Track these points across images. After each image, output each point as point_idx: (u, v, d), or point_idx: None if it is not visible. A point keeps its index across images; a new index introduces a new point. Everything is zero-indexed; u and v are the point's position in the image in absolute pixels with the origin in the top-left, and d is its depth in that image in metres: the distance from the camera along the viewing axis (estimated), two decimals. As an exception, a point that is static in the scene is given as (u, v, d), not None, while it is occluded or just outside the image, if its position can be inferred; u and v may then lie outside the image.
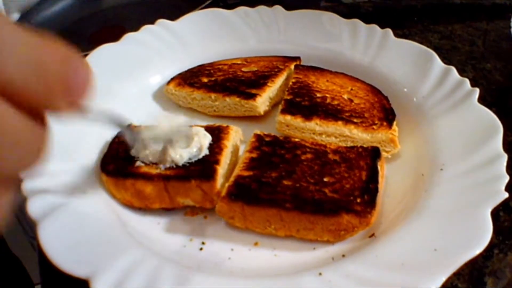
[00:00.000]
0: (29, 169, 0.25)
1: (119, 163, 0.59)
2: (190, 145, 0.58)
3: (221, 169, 0.58)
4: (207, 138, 0.60)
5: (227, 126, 0.64)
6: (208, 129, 0.62)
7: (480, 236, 0.49)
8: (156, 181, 0.56)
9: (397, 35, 0.76)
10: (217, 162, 0.58)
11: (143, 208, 0.59)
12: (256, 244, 0.55)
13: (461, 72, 0.69)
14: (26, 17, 1.14)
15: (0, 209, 0.26)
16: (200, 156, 0.59)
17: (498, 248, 0.56)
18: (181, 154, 0.57)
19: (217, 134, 0.62)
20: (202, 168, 0.57)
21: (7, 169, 0.24)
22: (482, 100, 0.64)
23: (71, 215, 0.53)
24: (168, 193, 0.57)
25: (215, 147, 0.60)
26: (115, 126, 0.40)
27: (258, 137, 0.61)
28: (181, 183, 0.56)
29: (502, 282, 0.53)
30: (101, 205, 0.56)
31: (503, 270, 0.54)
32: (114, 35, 0.76)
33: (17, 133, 0.24)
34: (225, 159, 0.60)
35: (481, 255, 0.54)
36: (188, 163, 0.58)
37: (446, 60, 0.73)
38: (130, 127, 0.64)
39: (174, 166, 0.57)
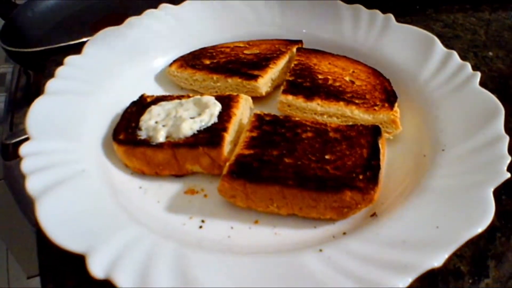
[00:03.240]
0: None
1: (130, 132, 0.60)
2: (201, 114, 0.60)
3: (229, 136, 0.59)
4: (217, 107, 0.61)
5: (237, 95, 0.65)
6: (218, 98, 0.63)
7: (483, 215, 0.48)
8: (165, 149, 0.58)
9: (399, 22, 0.76)
10: (225, 129, 0.59)
11: (153, 175, 0.60)
12: (256, 222, 0.55)
13: (463, 59, 0.69)
14: (29, 5, 1.14)
15: None
16: (209, 124, 0.60)
17: (500, 232, 0.56)
18: (192, 127, 0.59)
19: (227, 103, 0.63)
20: (210, 136, 0.58)
21: None
22: (483, 86, 0.64)
23: (70, 192, 0.53)
24: (177, 161, 0.58)
25: (224, 115, 0.61)
26: None
27: (258, 117, 0.61)
28: (189, 150, 0.58)
29: (504, 265, 0.53)
30: (100, 183, 0.56)
31: (505, 254, 0.54)
32: (116, 23, 0.76)
33: None
34: (233, 126, 0.61)
35: (483, 238, 0.55)
36: (197, 130, 0.59)
37: (448, 47, 0.72)
38: (142, 97, 0.65)
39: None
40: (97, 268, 0.44)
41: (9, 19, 1.10)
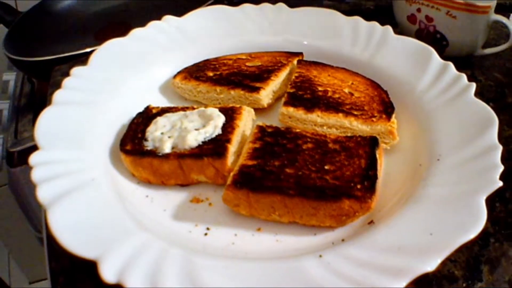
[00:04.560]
0: None
1: (137, 143, 0.62)
2: (205, 125, 0.62)
3: (233, 147, 0.61)
4: (220, 118, 0.64)
5: (240, 107, 0.67)
6: (221, 110, 0.66)
7: (475, 222, 0.50)
8: (171, 159, 0.60)
9: (397, 33, 0.78)
10: (228, 140, 0.61)
11: (159, 184, 0.62)
12: (259, 229, 0.57)
13: (460, 69, 0.70)
14: (30, 15, 1.16)
15: None
16: (214, 135, 0.62)
17: (494, 237, 0.58)
18: (197, 138, 0.61)
19: (230, 114, 0.65)
20: (215, 147, 0.60)
21: None
22: (480, 96, 0.66)
23: (80, 201, 0.54)
24: (183, 171, 0.60)
25: (228, 126, 0.63)
26: None
27: (261, 129, 0.63)
28: (194, 161, 0.59)
29: (497, 270, 0.55)
30: (109, 191, 0.57)
31: (499, 259, 0.56)
32: (120, 33, 0.78)
33: None
34: (236, 137, 0.63)
35: (477, 244, 0.57)
36: (202, 142, 0.61)
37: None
38: (148, 108, 0.67)
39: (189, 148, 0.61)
40: (108, 274, 0.46)
41: (13, 27, 1.11)
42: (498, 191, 0.54)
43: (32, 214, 1.16)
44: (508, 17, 0.82)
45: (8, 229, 1.42)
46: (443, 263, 0.48)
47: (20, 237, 1.37)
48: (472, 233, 0.49)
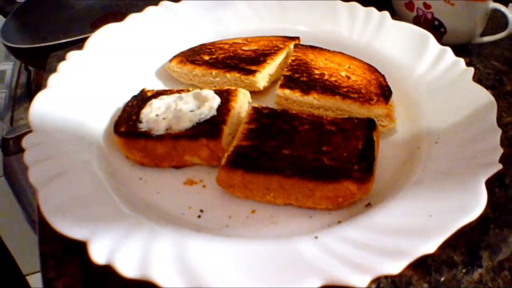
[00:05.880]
0: None
1: (131, 125, 0.61)
2: (200, 107, 0.62)
3: (227, 129, 0.60)
4: (215, 100, 0.63)
5: (235, 89, 0.66)
6: (217, 92, 0.65)
7: (475, 203, 0.49)
8: (165, 140, 0.59)
9: (395, 20, 0.78)
10: (224, 122, 0.60)
11: (153, 166, 0.61)
12: (253, 212, 0.56)
13: (458, 57, 0.69)
14: (28, 4, 1.16)
15: None
16: (208, 117, 0.61)
17: (494, 223, 0.57)
18: (191, 119, 0.60)
19: (225, 97, 0.64)
20: (209, 128, 0.60)
21: None
22: (478, 83, 0.65)
23: (72, 182, 0.53)
24: (177, 152, 0.60)
25: (223, 108, 0.62)
26: None
27: (256, 110, 0.62)
28: (189, 142, 0.59)
29: (498, 256, 0.54)
30: (102, 174, 0.56)
31: (498, 245, 0.55)
32: (117, 21, 0.77)
33: None
34: (231, 119, 0.62)
35: (477, 229, 0.56)
36: (197, 123, 0.60)
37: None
38: (143, 91, 0.66)
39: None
40: (98, 254, 0.45)
41: (10, 17, 1.11)
42: (498, 177, 0.53)
43: (28, 205, 1.16)
44: (507, 5, 0.82)
45: (3, 220, 1.42)
46: (443, 248, 0.47)
47: (15, 229, 1.37)
48: (473, 215, 0.48)
